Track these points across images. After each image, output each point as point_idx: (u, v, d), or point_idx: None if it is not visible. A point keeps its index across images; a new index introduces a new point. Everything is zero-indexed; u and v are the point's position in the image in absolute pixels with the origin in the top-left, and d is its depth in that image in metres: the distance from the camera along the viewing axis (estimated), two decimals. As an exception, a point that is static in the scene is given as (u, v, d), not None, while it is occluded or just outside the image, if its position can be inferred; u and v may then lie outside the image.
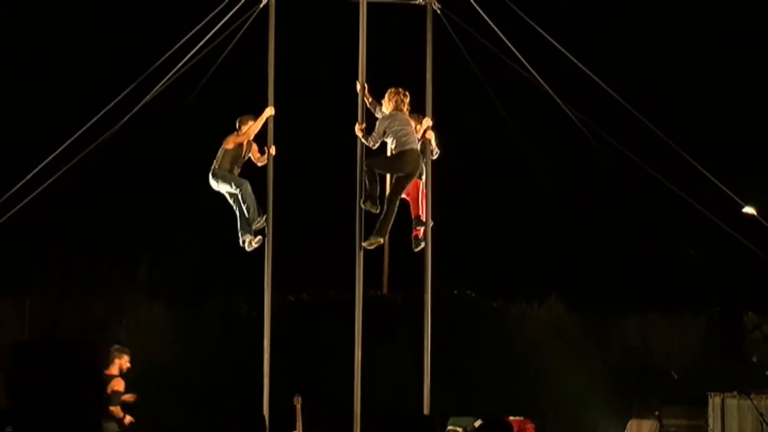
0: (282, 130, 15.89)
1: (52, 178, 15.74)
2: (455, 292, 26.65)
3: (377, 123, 14.98)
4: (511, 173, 29.05)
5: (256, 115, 15.69)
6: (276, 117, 15.66)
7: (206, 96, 16.60)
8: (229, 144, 15.87)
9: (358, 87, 15.20)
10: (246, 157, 15.99)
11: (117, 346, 18.00)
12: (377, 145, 15.01)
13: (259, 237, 15.56)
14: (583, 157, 17.63)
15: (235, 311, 26.66)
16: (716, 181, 16.33)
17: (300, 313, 26.03)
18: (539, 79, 15.93)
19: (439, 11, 15.56)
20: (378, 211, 15.03)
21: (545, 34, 15.89)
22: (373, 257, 15.80)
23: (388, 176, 15.22)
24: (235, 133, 15.94)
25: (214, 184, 15.90)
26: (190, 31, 15.58)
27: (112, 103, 15.74)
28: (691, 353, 26.27)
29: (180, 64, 15.65)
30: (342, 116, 15.54)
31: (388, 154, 15.13)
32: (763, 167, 27.95)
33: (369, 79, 15.19)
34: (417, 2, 15.69)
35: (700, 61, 32.62)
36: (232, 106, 29.52)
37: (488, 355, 26.14)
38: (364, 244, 14.99)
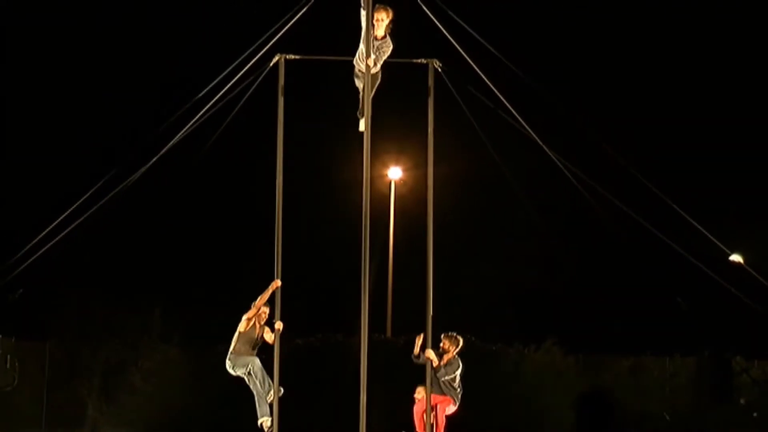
0: (292, 183, 15.98)
1: (68, 229, 15.79)
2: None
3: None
4: (508, 221, 29.10)
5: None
6: (285, 168, 15.76)
7: (217, 152, 16.69)
8: (242, 325, 15.90)
9: None
10: (260, 339, 15.93)
11: None
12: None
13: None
14: (578, 210, 17.65)
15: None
16: (704, 231, 16.34)
17: (308, 356, 25.95)
18: (530, 130, 16.01)
19: (440, 69, 15.78)
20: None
21: (539, 88, 15.98)
22: (378, 303, 15.82)
23: None
24: (246, 314, 15.91)
25: (231, 369, 15.91)
26: (202, 90, 15.73)
27: (126, 160, 15.82)
28: (682, 396, 26.15)
29: (192, 122, 15.76)
30: (349, 165, 15.58)
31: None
32: (748, 217, 27.98)
33: (375, 129, 15.29)
34: (420, 61, 15.91)
35: (688, 115, 32.76)
36: (242, 161, 29.72)
37: (487, 396, 25.99)
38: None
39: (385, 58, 15.24)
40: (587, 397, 23.59)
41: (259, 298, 15.81)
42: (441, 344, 16.26)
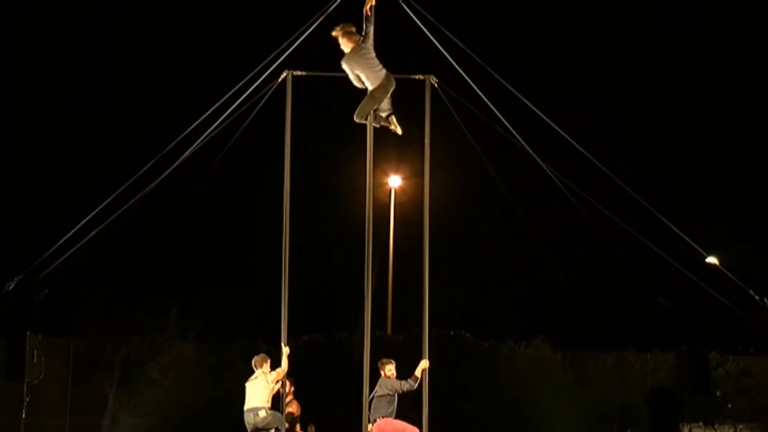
0: (298, 191, 15.95)
1: (91, 234, 15.76)
2: (451, 332, 26.49)
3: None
4: (501, 226, 29.05)
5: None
6: (292, 176, 15.74)
7: (229, 161, 16.68)
8: (274, 385, 16.05)
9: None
10: None
11: None
12: None
13: None
14: (566, 216, 17.63)
15: (255, 351, 26.48)
16: (683, 235, 16.32)
17: (314, 352, 25.87)
18: (522, 142, 15.98)
19: (436, 85, 15.74)
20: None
21: (528, 103, 15.95)
22: (379, 303, 15.77)
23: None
24: (266, 373, 16.07)
25: (265, 425, 15.96)
26: (214, 103, 15.73)
27: (144, 168, 15.81)
28: (662, 388, 26.05)
29: (206, 134, 15.75)
30: (352, 174, 15.54)
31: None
32: (723, 222, 27.97)
33: (376, 141, 15.24)
34: (417, 77, 15.88)
35: (669, 127, 32.75)
36: (251, 170, 29.65)
37: (481, 389, 25.93)
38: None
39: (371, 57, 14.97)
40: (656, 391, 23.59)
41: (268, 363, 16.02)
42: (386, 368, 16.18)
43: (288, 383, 17.46)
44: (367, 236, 15.10)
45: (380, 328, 27.25)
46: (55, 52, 32.07)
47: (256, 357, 16.26)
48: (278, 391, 16.13)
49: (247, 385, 16.01)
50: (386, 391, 15.87)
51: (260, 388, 15.88)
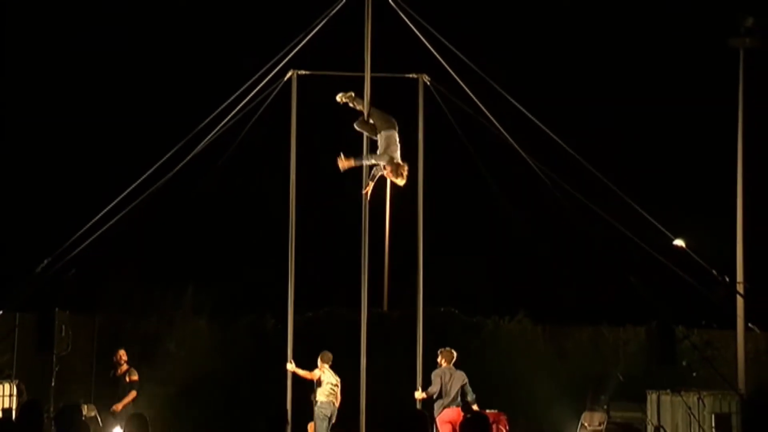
0: (303, 182, 15.92)
1: (114, 219, 15.76)
2: (442, 309, 26.46)
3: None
4: (487, 214, 28.99)
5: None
6: (297, 168, 15.73)
7: (237, 155, 16.67)
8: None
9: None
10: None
11: None
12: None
13: None
14: (546, 201, 17.59)
15: (263, 326, 26.51)
16: (653, 221, 16.37)
17: (316, 327, 25.84)
18: (507, 135, 15.95)
19: (428, 83, 15.69)
20: None
21: (512, 100, 15.92)
22: (375, 281, 15.74)
23: None
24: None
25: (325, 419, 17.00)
26: (224, 102, 15.70)
27: (160, 162, 15.80)
28: (633, 359, 26.08)
29: (215, 131, 15.73)
30: (351, 172, 15.51)
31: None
32: (689, 209, 27.97)
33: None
34: (411, 76, 15.83)
35: (642, 121, 32.64)
36: (259, 163, 29.58)
37: (468, 361, 25.88)
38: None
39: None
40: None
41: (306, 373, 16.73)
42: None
43: (122, 353, 18.05)
44: (364, 225, 15.07)
45: (377, 306, 27.22)
46: (70, 59, 31.83)
47: (326, 354, 17.33)
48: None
49: (326, 377, 17.05)
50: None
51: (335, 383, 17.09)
